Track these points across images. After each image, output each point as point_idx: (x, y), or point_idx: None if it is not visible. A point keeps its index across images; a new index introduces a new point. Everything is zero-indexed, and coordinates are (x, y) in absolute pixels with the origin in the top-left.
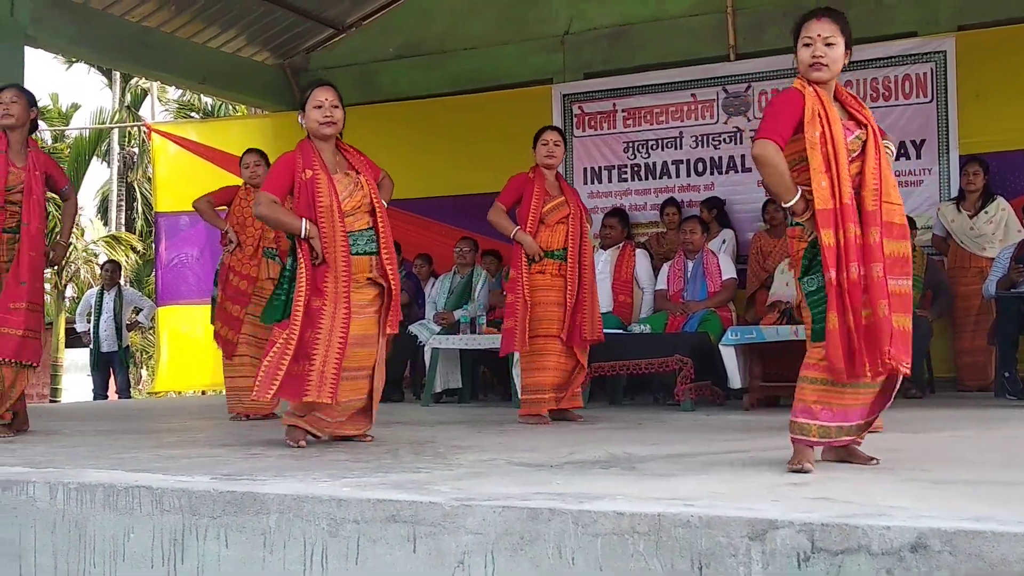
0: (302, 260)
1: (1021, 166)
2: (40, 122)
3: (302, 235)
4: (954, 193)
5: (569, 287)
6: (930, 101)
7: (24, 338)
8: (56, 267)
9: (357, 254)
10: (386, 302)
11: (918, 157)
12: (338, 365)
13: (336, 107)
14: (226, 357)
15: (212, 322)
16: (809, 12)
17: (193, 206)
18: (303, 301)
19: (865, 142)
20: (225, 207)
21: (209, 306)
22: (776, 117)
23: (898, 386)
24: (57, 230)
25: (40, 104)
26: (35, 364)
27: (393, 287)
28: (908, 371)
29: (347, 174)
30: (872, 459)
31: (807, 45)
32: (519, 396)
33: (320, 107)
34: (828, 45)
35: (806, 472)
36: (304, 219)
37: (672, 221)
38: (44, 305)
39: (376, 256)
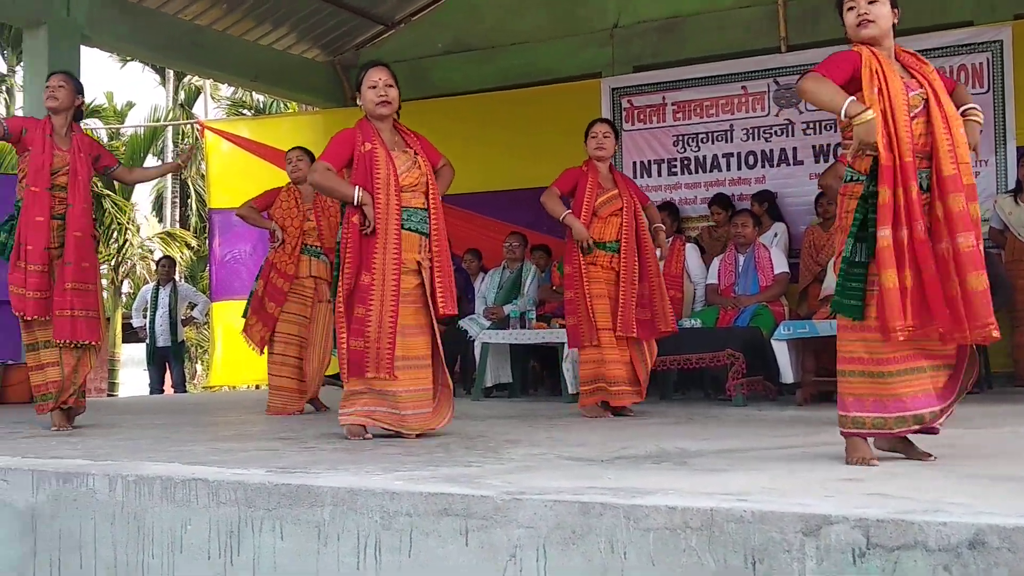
0: (350, 235)
1: None
2: (96, 120)
3: (355, 201)
4: (1011, 185)
5: (622, 280)
6: (986, 91)
7: (74, 318)
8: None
9: (409, 230)
10: (432, 284)
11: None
12: (392, 340)
13: (391, 86)
14: (258, 352)
15: (244, 315)
16: None
17: (236, 214)
18: (351, 277)
19: (927, 100)
20: (267, 211)
21: None
22: (828, 64)
23: (972, 364)
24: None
25: (95, 103)
26: (94, 343)
27: (441, 267)
28: (998, 334)
29: (405, 151)
30: (928, 455)
31: (851, 9)
32: (569, 391)
33: (375, 87)
34: (871, 3)
35: (871, 466)
36: (357, 187)
37: (719, 220)
38: (97, 284)
39: (427, 237)
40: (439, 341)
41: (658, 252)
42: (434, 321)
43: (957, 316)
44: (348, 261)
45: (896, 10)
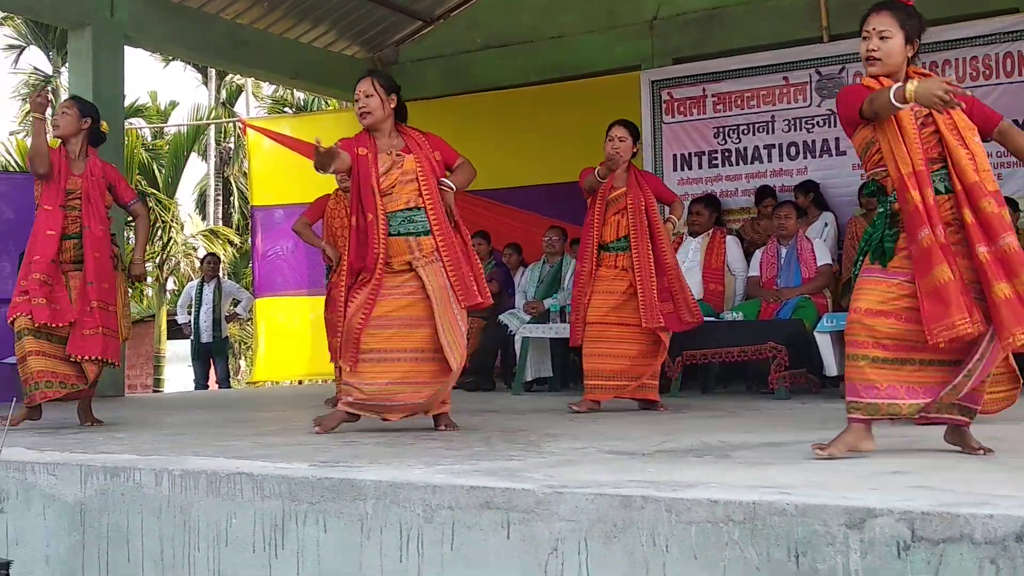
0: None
1: None
2: (139, 119)
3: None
4: None
5: (638, 274)
6: None
7: (105, 336)
8: (138, 281)
9: (394, 235)
10: (449, 277)
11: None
12: (357, 337)
13: (370, 96)
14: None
15: (325, 309)
16: (871, 7)
17: (293, 230)
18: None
19: (930, 114)
20: (320, 219)
21: (305, 297)
22: (842, 102)
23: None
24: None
25: (139, 102)
26: (116, 364)
27: (451, 260)
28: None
29: (388, 153)
30: (981, 448)
31: (865, 39)
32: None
33: (357, 100)
34: (883, 39)
35: (865, 452)
36: (325, 242)
37: (768, 213)
38: (119, 307)
39: (417, 237)
40: (455, 336)
41: (671, 224)
42: (440, 313)
43: (1012, 316)
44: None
45: (915, 42)
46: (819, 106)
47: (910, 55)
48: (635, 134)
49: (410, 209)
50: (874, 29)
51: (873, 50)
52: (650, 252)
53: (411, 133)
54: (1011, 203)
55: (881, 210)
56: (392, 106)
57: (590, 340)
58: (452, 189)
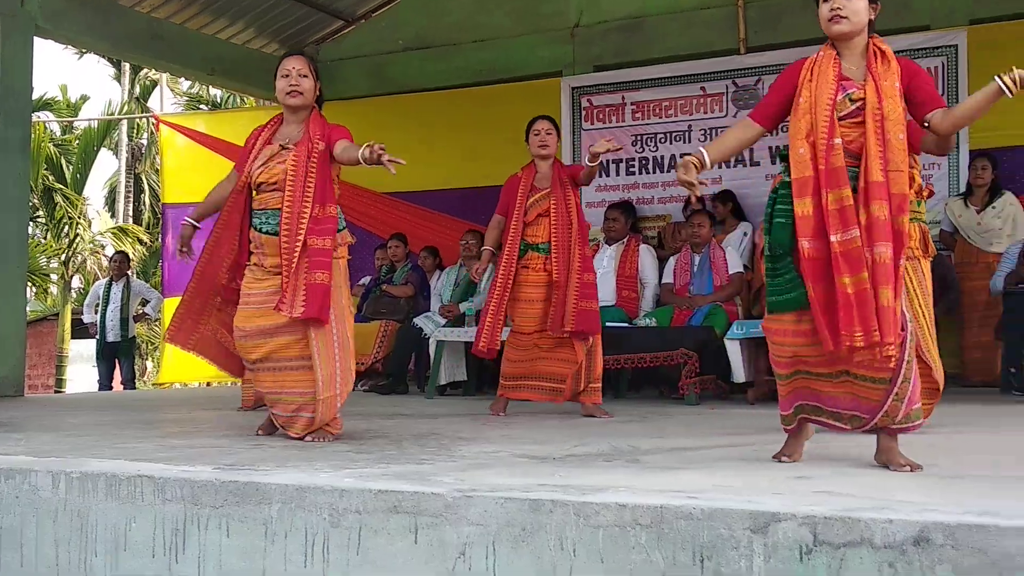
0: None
1: None
2: (48, 113)
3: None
4: (963, 188)
5: (556, 281)
6: (941, 95)
7: None
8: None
9: (267, 232)
10: (290, 281)
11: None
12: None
13: (304, 76)
14: None
15: None
16: None
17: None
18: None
19: (863, 100)
20: None
21: None
22: (768, 94)
23: (901, 380)
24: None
25: (49, 95)
26: None
27: (291, 264)
28: (891, 359)
29: (274, 144)
30: (908, 465)
31: (826, 0)
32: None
33: (287, 76)
34: None
35: (793, 461)
36: (188, 219)
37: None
38: None
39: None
40: (333, 342)
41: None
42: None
43: (867, 328)
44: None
45: (875, 4)
46: (735, 116)
47: (872, 17)
48: (558, 128)
49: (279, 210)
50: None
51: (839, 8)
52: (568, 258)
53: (317, 124)
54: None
55: (788, 179)
56: (315, 94)
57: (510, 346)
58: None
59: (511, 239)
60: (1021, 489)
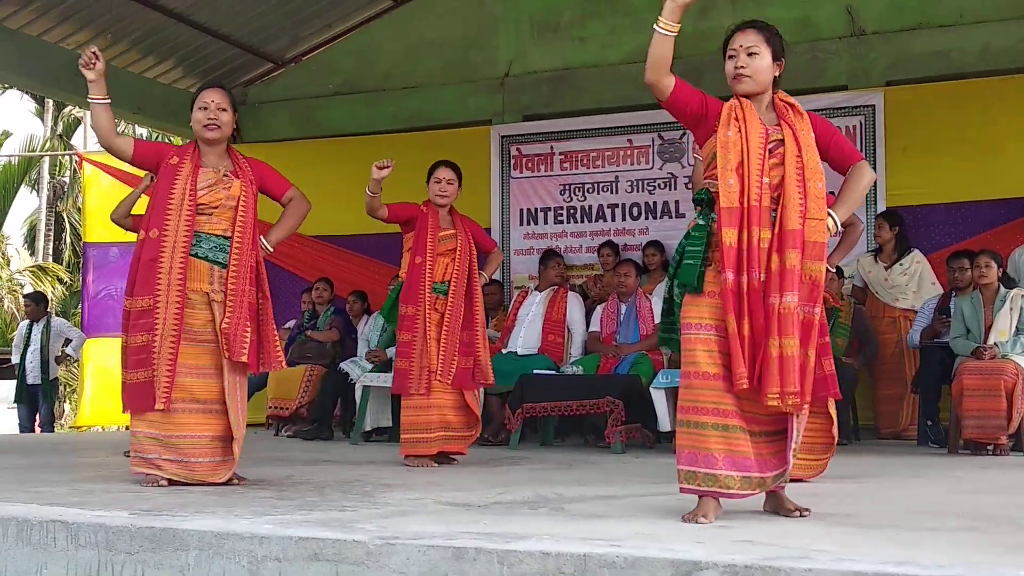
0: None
1: (944, 220)
2: None
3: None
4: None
5: (446, 325)
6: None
7: None
8: None
9: (198, 257)
10: (218, 324)
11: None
12: (171, 373)
13: (223, 110)
14: None
15: None
16: (735, 25)
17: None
18: (134, 301)
19: (782, 141)
20: None
21: None
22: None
23: (795, 429)
24: None
25: None
26: None
27: (234, 306)
28: (799, 408)
29: (216, 170)
30: (798, 510)
31: (731, 57)
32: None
33: (205, 108)
34: (751, 55)
35: (705, 523)
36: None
37: (607, 263)
38: None
39: (223, 268)
40: (238, 387)
41: (482, 278)
42: (231, 365)
43: (766, 377)
44: (130, 280)
45: (780, 62)
46: (661, 169)
47: (776, 74)
48: (460, 175)
49: (215, 236)
50: (741, 46)
51: (742, 67)
52: (463, 304)
53: (237, 156)
54: (838, 271)
55: (702, 223)
56: (232, 128)
57: (439, 391)
58: (269, 250)
59: (426, 277)
60: (938, 540)
